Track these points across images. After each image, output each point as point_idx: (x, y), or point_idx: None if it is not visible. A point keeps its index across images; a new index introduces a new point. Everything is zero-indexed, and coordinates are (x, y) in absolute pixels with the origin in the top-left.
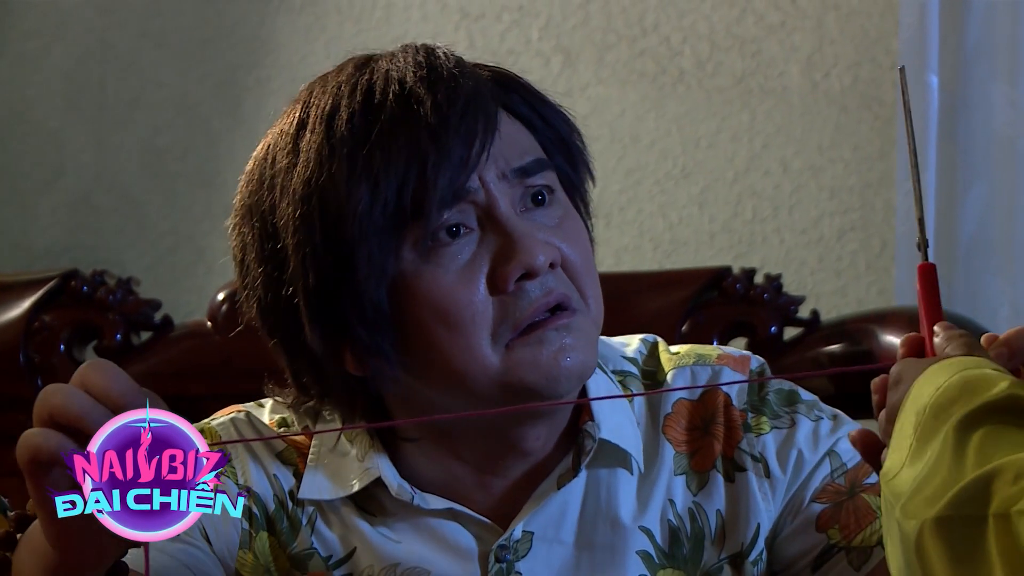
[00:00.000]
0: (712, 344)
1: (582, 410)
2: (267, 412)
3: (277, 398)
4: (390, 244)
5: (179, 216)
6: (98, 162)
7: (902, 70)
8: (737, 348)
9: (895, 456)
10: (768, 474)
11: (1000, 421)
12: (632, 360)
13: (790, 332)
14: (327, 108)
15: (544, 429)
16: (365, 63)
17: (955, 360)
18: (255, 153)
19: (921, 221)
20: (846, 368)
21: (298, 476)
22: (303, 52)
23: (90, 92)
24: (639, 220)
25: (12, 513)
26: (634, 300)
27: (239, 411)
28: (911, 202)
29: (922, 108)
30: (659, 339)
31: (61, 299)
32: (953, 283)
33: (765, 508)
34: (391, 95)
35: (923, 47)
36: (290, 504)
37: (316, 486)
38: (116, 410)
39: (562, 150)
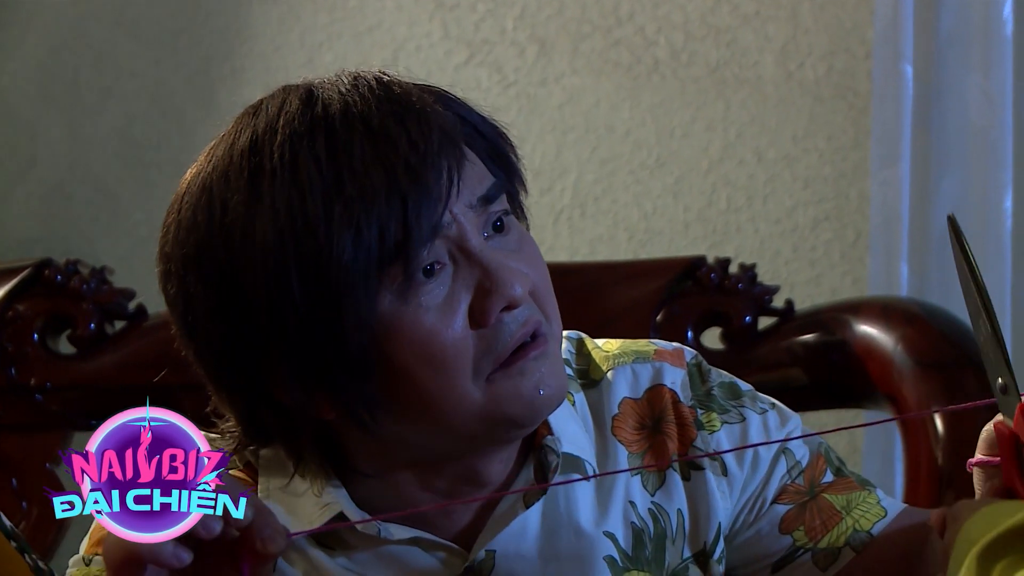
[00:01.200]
0: (686, 334)
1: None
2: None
3: (210, 433)
4: (374, 290)
5: (153, 206)
6: (72, 152)
7: (951, 219)
8: (712, 338)
9: None
10: (725, 472)
11: None
12: (564, 361)
13: (764, 322)
14: (287, 151)
15: (507, 453)
16: (309, 96)
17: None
18: (183, 197)
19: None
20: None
21: None
22: (277, 42)
23: (64, 82)
24: (614, 210)
25: None
26: (608, 290)
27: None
28: (887, 193)
29: (896, 98)
30: (583, 335)
31: (35, 288)
32: (926, 274)
33: (723, 506)
34: (358, 135)
35: (897, 37)
36: None
37: None
38: None
39: (502, 165)
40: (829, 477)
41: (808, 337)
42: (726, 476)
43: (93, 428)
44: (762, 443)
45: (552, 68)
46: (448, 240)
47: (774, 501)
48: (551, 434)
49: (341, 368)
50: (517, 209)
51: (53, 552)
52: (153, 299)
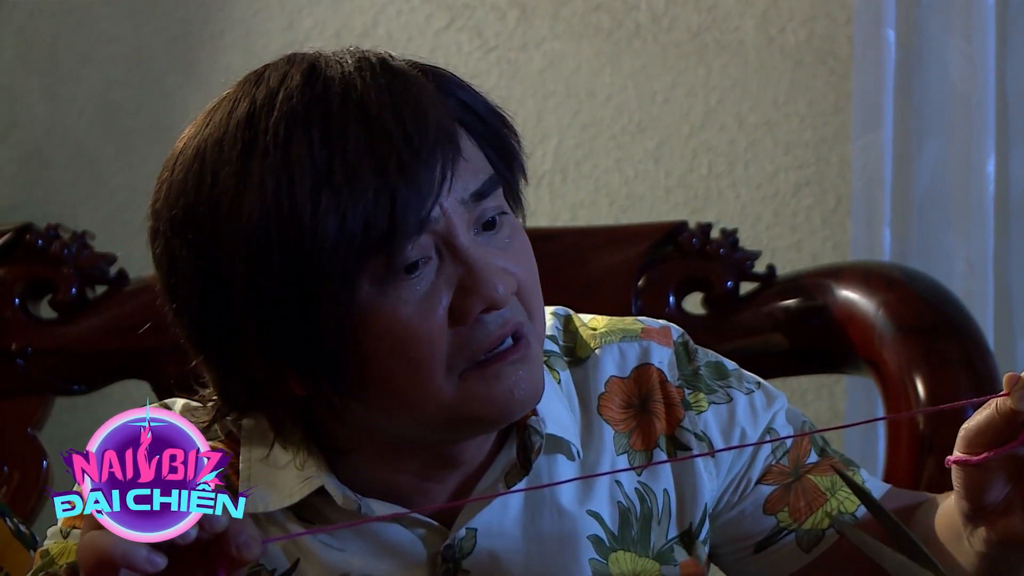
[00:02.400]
0: (668, 300)
1: None
2: (179, 406)
3: (191, 401)
4: (353, 279)
5: (133, 171)
6: (51, 117)
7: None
8: (693, 303)
9: None
10: (713, 454)
11: None
12: (551, 337)
13: (746, 287)
14: (281, 130)
15: (484, 439)
16: (312, 71)
17: None
18: (178, 158)
19: None
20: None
21: (231, 488)
22: (256, 7)
23: (42, 46)
24: (595, 175)
25: None
26: (590, 255)
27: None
28: (868, 158)
29: (878, 63)
30: (570, 311)
31: (15, 253)
32: (908, 239)
33: (710, 487)
34: (354, 122)
35: (879, 1)
36: None
37: (253, 498)
38: None
39: (503, 155)
40: (813, 458)
41: (789, 302)
42: (713, 458)
43: (74, 393)
44: (762, 441)
45: (533, 33)
46: (435, 235)
47: (758, 481)
48: (535, 415)
49: (313, 351)
50: (513, 200)
51: (35, 516)
52: (134, 263)
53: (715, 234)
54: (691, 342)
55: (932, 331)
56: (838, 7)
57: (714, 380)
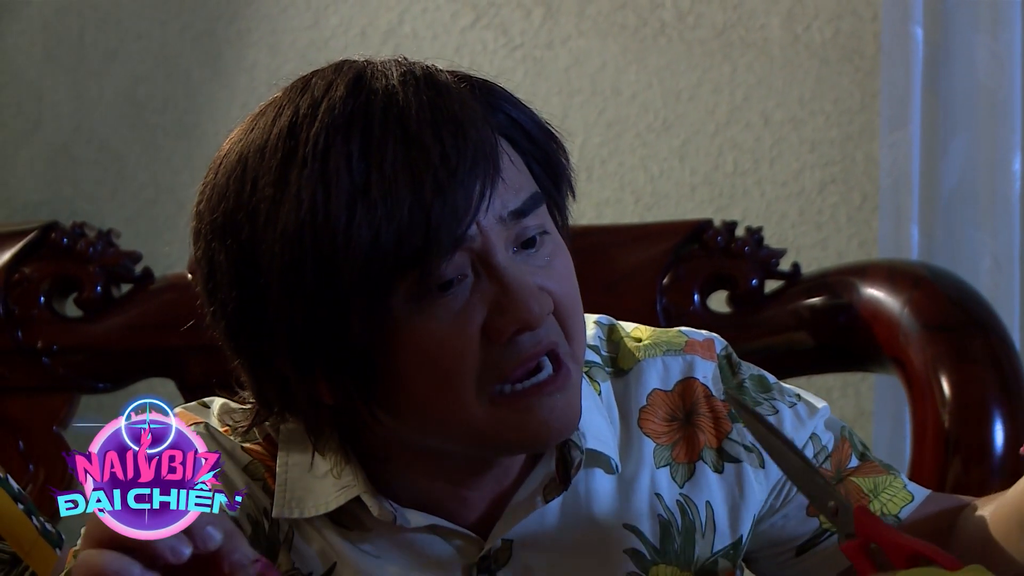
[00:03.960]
0: (693, 297)
1: None
2: (216, 418)
3: (231, 402)
4: (386, 293)
5: (159, 168)
6: (77, 113)
7: (728, 394)
8: (718, 301)
9: None
10: (763, 463)
11: None
12: (593, 347)
13: (771, 285)
14: (321, 142)
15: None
16: (357, 82)
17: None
18: (222, 161)
19: None
20: None
21: (267, 491)
22: (283, 4)
23: (69, 43)
24: (620, 173)
25: None
26: (615, 253)
27: (196, 422)
28: (896, 155)
29: (906, 60)
30: (614, 320)
31: (41, 251)
32: (935, 236)
33: (760, 497)
34: (393, 137)
35: None
36: (266, 524)
37: (290, 504)
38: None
39: (548, 171)
40: (855, 462)
41: (815, 300)
42: (763, 468)
43: (100, 391)
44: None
45: (558, 30)
46: (471, 252)
47: None
48: (576, 428)
49: (343, 363)
50: (558, 215)
51: (60, 515)
52: (159, 262)
53: (740, 232)
54: (734, 355)
55: (958, 329)
56: (864, 4)
57: (759, 393)
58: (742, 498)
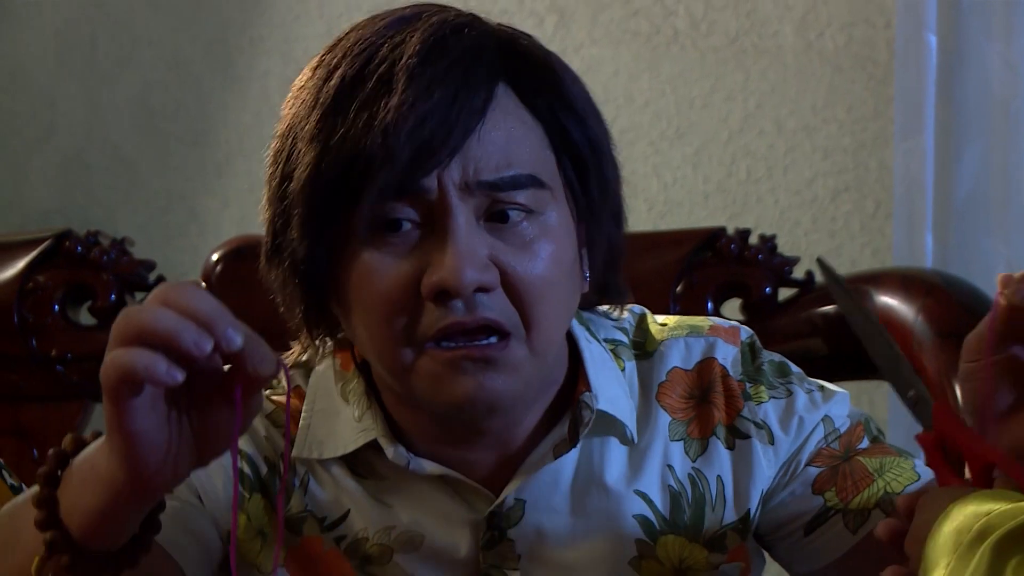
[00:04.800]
0: (706, 305)
1: (578, 380)
2: None
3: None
4: (328, 216)
5: (171, 175)
6: (89, 121)
7: (820, 261)
8: (732, 309)
9: (934, 574)
10: (772, 440)
11: None
12: (622, 330)
13: (784, 293)
14: (337, 56)
15: (500, 421)
16: (400, 21)
17: (1005, 491)
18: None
19: None
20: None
21: (290, 440)
22: (296, 11)
23: (82, 50)
24: (633, 181)
25: (54, 450)
26: (628, 261)
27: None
28: (910, 162)
29: (919, 67)
30: (646, 310)
31: (55, 259)
32: (949, 243)
33: (768, 473)
34: (379, 69)
35: (920, 6)
36: (281, 466)
37: (310, 445)
38: (205, 326)
39: (576, 166)
40: (865, 444)
41: (828, 308)
42: (772, 444)
43: None
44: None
45: (571, 38)
46: (425, 203)
47: (808, 464)
48: (589, 390)
49: (297, 276)
50: (580, 202)
51: None
52: (172, 269)
53: (753, 240)
54: (758, 343)
55: None
56: (877, 12)
57: (775, 377)
58: (751, 473)
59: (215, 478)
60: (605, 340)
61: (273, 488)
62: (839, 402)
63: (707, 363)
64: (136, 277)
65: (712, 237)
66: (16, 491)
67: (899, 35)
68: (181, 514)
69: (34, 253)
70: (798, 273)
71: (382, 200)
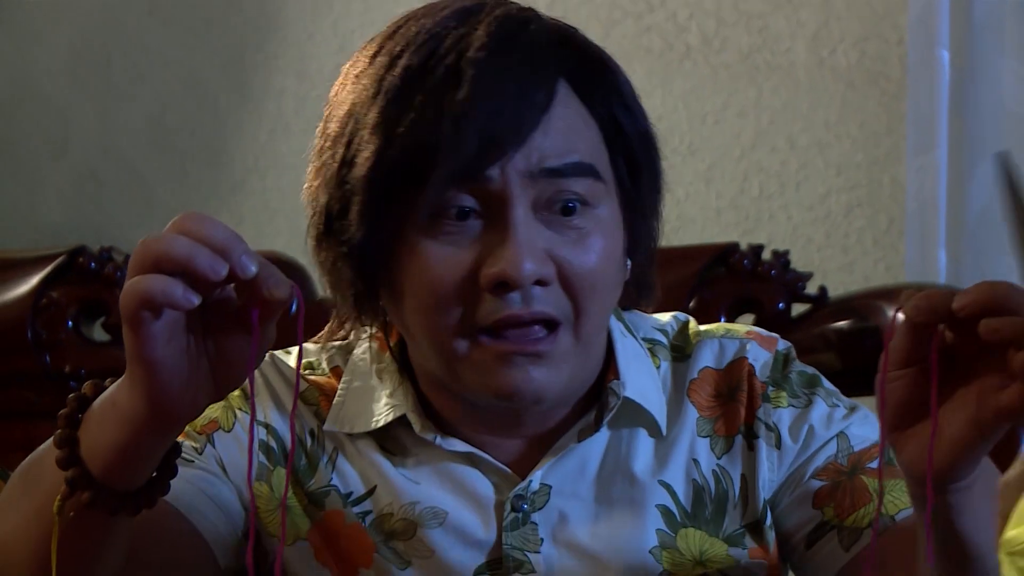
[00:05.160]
0: (719, 321)
1: (608, 369)
2: (293, 357)
3: (311, 344)
4: (389, 204)
5: (186, 193)
6: (104, 138)
7: (1002, 156)
8: (744, 324)
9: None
10: (779, 445)
11: None
12: (662, 331)
13: (797, 308)
14: (399, 45)
15: (541, 411)
16: (463, 12)
17: None
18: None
19: None
20: None
21: (319, 416)
22: (311, 29)
23: (96, 68)
24: None
25: (74, 394)
26: None
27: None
28: (923, 179)
29: (932, 84)
30: (691, 318)
31: (69, 275)
32: (961, 259)
33: (769, 477)
34: (446, 60)
35: (933, 22)
36: (309, 441)
37: (342, 419)
38: (220, 252)
39: (629, 163)
40: (874, 464)
41: (841, 324)
42: (779, 449)
43: None
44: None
45: None
46: (491, 194)
47: (813, 476)
48: (617, 378)
49: (350, 265)
50: (629, 199)
51: None
52: None
53: (766, 256)
54: (793, 355)
55: None
56: (890, 28)
57: (801, 387)
58: (756, 476)
59: (237, 450)
60: (644, 339)
61: (298, 462)
62: (862, 422)
63: (738, 362)
64: None
65: (725, 253)
66: None
67: (912, 51)
68: (204, 483)
69: (48, 269)
70: (811, 288)
71: (446, 189)
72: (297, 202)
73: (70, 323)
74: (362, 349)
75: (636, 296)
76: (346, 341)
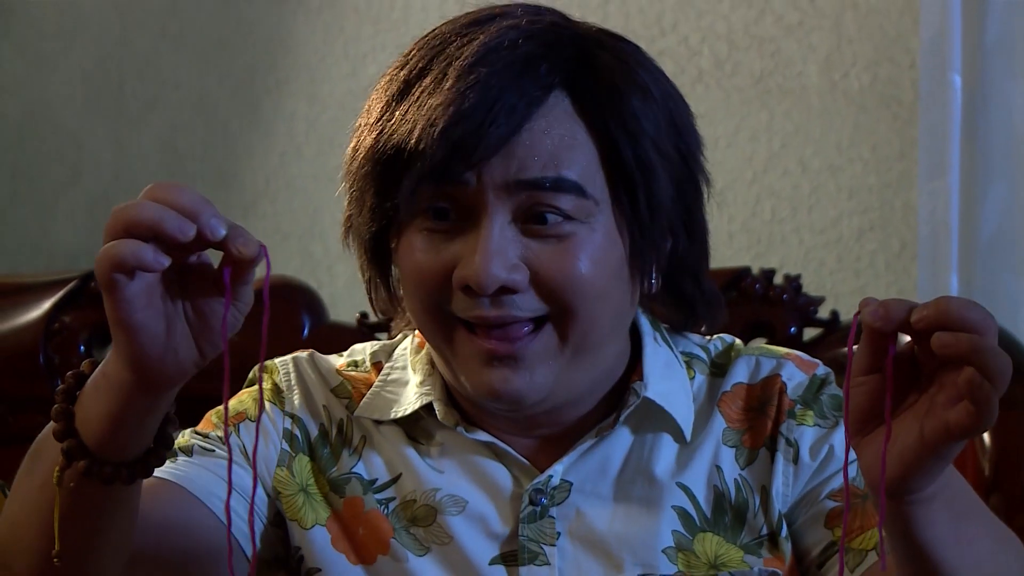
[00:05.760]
0: None
1: (633, 371)
2: (336, 357)
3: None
4: (383, 199)
5: None
6: (117, 162)
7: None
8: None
9: None
10: (796, 460)
11: None
12: (703, 348)
13: (810, 332)
14: (415, 49)
15: (539, 411)
16: (481, 20)
17: None
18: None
19: None
20: None
21: (350, 408)
22: (322, 53)
23: (109, 93)
24: None
25: (72, 371)
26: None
27: (305, 351)
28: (935, 203)
29: (944, 107)
30: (737, 340)
31: (81, 300)
32: (973, 282)
33: (784, 492)
34: (440, 65)
35: (945, 46)
36: (334, 432)
37: (373, 408)
38: (189, 215)
39: (620, 169)
40: None
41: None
42: (795, 464)
43: None
44: None
45: None
46: (466, 198)
47: (828, 497)
48: (640, 380)
49: (360, 246)
50: (620, 219)
51: None
52: None
53: (778, 280)
54: (831, 379)
55: None
56: (902, 52)
57: (831, 409)
58: (771, 489)
59: (262, 438)
60: (682, 352)
61: (320, 451)
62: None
63: (771, 379)
64: None
65: (737, 277)
66: None
67: (923, 75)
68: (223, 470)
69: (60, 294)
70: (823, 313)
71: (418, 190)
72: (308, 225)
73: (82, 347)
74: (403, 345)
75: (684, 316)
76: (394, 340)
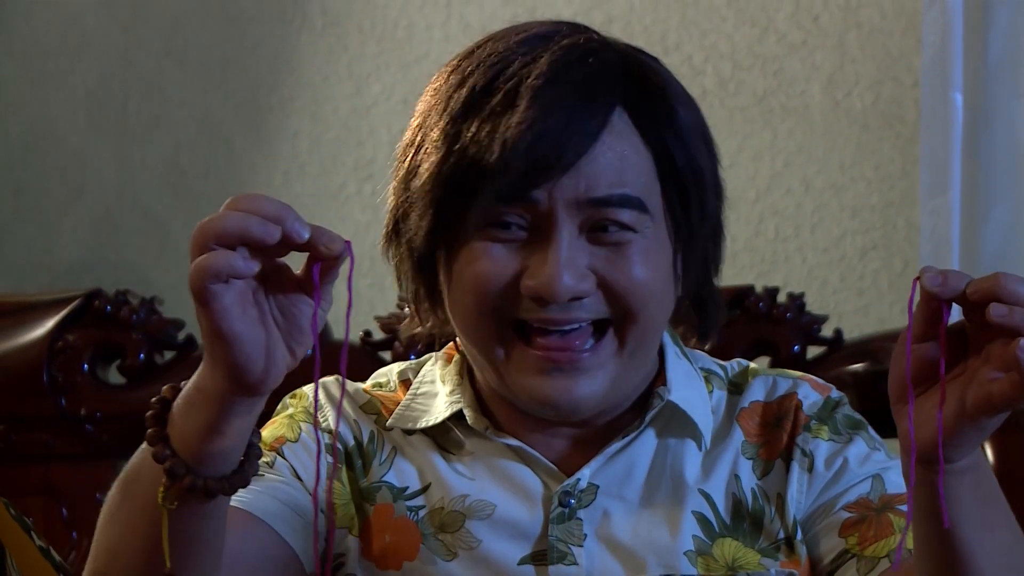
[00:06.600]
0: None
1: (657, 376)
2: (363, 383)
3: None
4: (446, 213)
5: None
6: (120, 180)
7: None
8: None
9: None
10: (811, 469)
11: None
12: (722, 367)
13: (813, 351)
14: (471, 65)
15: (584, 418)
16: (534, 38)
17: None
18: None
19: None
20: None
21: (380, 422)
22: (325, 72)
23: (112, 111)
24: None
25: (156, 398)
26: None
27: (330, 376)
28: (937, 221)
29: (946, 126)
30: (753, 363)
31: (85, 318)
32: None
33: (798, 499)
34: (507, 84)
35: (946, 65)
36: (365, 443)
37: (404, 418)
38: (272, 221)
39: (680, 196)
40: (903, 507)
41: (857, 367)
42: (810, 473)
43: None
44: None
45: None
46: (537, 213)
47: (842, 508)
48: (664, 385)
49: (410, 263)
50: (680, 228)
51: None
52: None
53: (782, 298)
54: (845, 401)
55: None
56: (904, 71)
57: (845, 427)
58: (786, 495)
59: (306, 455)
60: (701, 368)
61: (355, 462)
62: (898, 468)
63: (788, 397)
64: (165, 336)
65: (740, 295)
66: (45, 552)
67: (925, 94)
68: (282, 494)
69: (64, 312)
70: (827, 331)
71: (494, 205)
72: None
73: (86, 366)
74: (431, 362)
75: (696, 321)
76: (421, 359)
